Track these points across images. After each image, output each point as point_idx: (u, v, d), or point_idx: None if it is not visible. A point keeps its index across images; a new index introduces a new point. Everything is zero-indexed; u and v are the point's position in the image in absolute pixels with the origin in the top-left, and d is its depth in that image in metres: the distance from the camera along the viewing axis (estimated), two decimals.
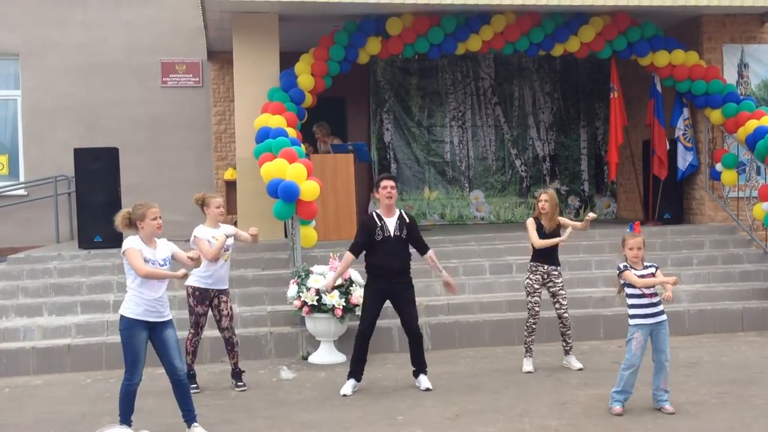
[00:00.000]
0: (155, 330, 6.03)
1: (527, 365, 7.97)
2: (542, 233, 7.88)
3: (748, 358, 8.32)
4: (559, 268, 7.99)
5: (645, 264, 6.54)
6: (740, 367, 7.88)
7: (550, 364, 8.16)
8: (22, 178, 13.92)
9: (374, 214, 7.24)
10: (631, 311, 6.51)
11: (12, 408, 7.13)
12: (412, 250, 7.36)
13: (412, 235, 7.28)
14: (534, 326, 7.99)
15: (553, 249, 7.97)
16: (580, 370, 7.89)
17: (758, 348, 8.78)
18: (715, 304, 9.85)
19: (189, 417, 6.12)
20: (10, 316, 9.20)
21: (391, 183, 7.18)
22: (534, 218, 8.01)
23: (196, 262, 6.27)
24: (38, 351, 8.39)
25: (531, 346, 8.03)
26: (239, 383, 7.55)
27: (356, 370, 7.29)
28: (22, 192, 13.77)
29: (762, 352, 8.57)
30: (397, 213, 7.21)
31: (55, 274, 9.99)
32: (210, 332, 8.83)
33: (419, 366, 7.36)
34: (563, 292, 7.96)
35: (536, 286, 7.93)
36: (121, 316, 5.99)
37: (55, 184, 13.39)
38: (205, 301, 7.39)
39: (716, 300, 9.96)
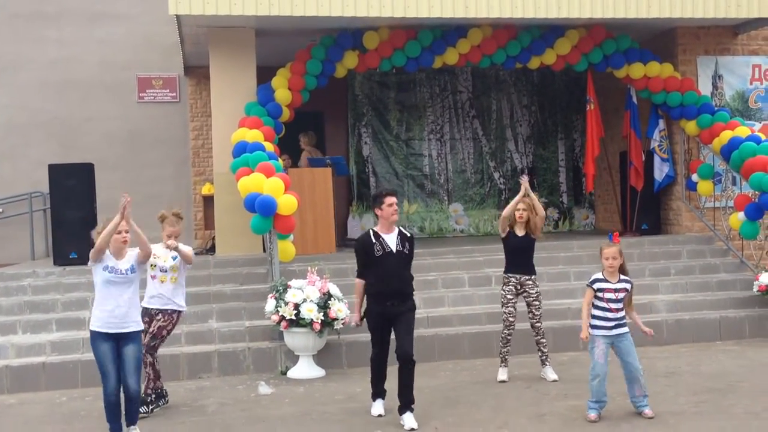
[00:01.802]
0: (119, 343, 6.12)
1: (502, 374, 7.98)
2: (517, 243, 7.90)
3: (726, 367, 8.35)
4: (534, 276, 8.00)
5: (621, 277, 6.57)
6: (718, 376, 7.91)
7: (529, 375, 8.15)
8: None
9: (371, 231, 6.83)
10: (593, 321, 6.60)
11: None
12: None
13: (411, 252, 6.86)
14: (509, 337, 8.00)
15: (527, 257, 7.98)
16: (554, 381, 7.89)
17: (736, 357, 8.81)
18: (693, 313, 9.89)
19: (130, 419, 6.23)
20: None
21: (395, 199, 6.75)
22: (508, 226, 8.04)
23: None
24: (12, 369, 8.26)
25: (506, 357, 8.04)
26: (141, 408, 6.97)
27: (379, 391, 6.87)
28: None
29: (739, 361, 8.61)
30: (396, 230, 6.79)
31: (30, 292, 9.85)
32: (187, 348, 8.83)
33: (406, 401, 6.57)
34: (537, 302, 7.96)
35: (509, 296, 7.94)
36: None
37: (30, 201, 13.25)
38: (143, 317, 6.95)
39: (694, 309, 10.00)
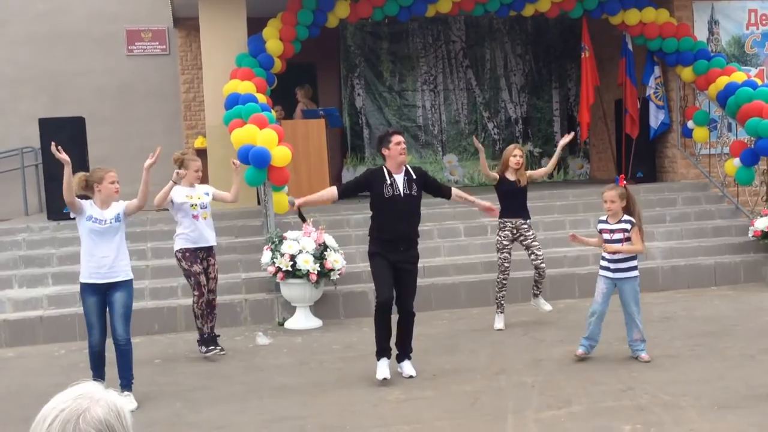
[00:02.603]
0: (108, 292, 6.05)
1: (498, 323, 8.01)
2: (510, 187, 7.87)
3: (721, 311, 8.40)
4: (528, 221, 7.99)
5: (622, 218, 6.55)
6: (713, 320, 7.96)
7: (526, 322, 8.19)
8: None
9: (384, 168, 6.33)
10: (600, 261, 6.69)
11: None
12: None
13: (430, 186, 6.52)
14: (504, 282, 8.00)
15: (521, 201, 7.97)
16: (549, 311, 8.01)
17: (731, 301, 8.87)
18: (688, 259, 9.93)
19: (122, 383, 6.08)
20: None
21: (402, 138, 6.34)
22: (498, 172, 8.00)
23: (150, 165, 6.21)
24: (9, 323, 8.27)
25: (502, 302, 8.06)
26: (217, 347, 7.35)
27: (384, 348, 6.38)
28: None
29: (734, 305, 8.66)
30: (404, 170, 6.34)
31: (24, 246, 9.82)
32: (184, 300, 8.81)
33: (404, 350, 6.52)
34: (537, 243, 7.95)
35: (505, 242, 7.93)
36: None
37: (21, 156, 13.13)
38: (197, 260, 7.25)
39: (689, 256, 10.04)
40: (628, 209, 6.59)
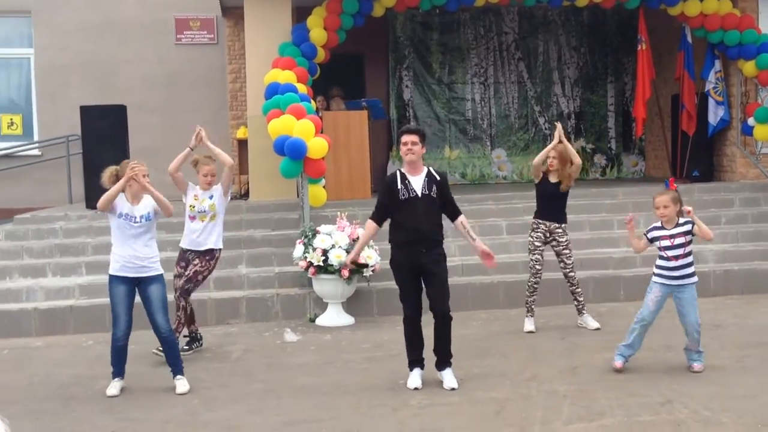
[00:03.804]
0: (141, 286, 6.05)
1: (528, 325, 7.71)
2: (548, 189, 7.53)
3: None
4: (564, 225, 7.66)
5: (679, 221, 6.14)
6: (766, 330, 7.48)
7: (564, 326, 7.84)
8: (36, 138, 13.75)
9: (398, 172, 6.11)
10: (655, 268, 6.28)
11: (8, 369, 6.99)
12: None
13: (443, 195, 6.08)
14: (536, 285, 7.69)
15: (559, 205, 7.63)
16: (597, 329, 7.60)
17: None
18: (742, 264, 9.41)
19: (174, 370, 6.17)
20: (13, 277, 9.07)
21: (412, 138, 5.92)
22: (543, 171, 7.68)
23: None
24: (40, 312, 8.25)
25: (532, 306, 7.76)
26: (185, 347, 7.13)
27: (416, 359, 6.11)
28: (36, 152, 13.62)
29: None
30: (425, 171, 6.03)
31: (61, 235, 9.82)
32: (215, 293, 8.71)
33: (444, 357, 6.11)
34: (567, 251, 7.61)
35: (537, 243, 7.61)
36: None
37: (67, 144, 13.20)
38: (180, 262, 7.20)
39: (744, 260, 9.52)
40: (680, 213, 6.20)
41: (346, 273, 8.09)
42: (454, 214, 6.21)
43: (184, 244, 7.22)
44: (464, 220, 6.26)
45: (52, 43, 13.79)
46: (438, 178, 6.09)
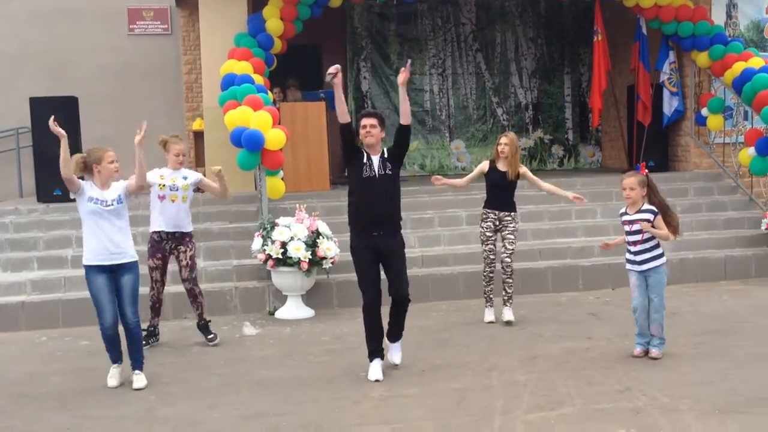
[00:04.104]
0: (116, 274, 5.93)
1: (488, 315, 7.71)
2: (497, 178, 7.50)
3: (729, 307, 8.04)
4: (513, 214, 7.59)
5: (642, 208, 6.18)
6: (720, 317, 7.60)
7: (524, 316, 7.85)
8: None
9: (363, 149, 6.07)
10: (626, 255, 6.37)
11: None
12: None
13: (396, 146, 6.04)
14: (491, 275, 7.68)
15: (507, 195, 7.58)
16: (508, 322, 7.53)
17: (740, 297, 8.49)
18: (697, 252, 9.55)
19: (134, 364, 6.07)
20: None
21: (371, 121, 5.98)
22: (490, 160, 7.65)
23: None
24: None
25: (491, 296, 7.74)
26: (209, 336, 7.23)
27: (375, 349, 6.08)
28: None
29: (744, 301, 8.29)
30: (381, 151, 6.05)
31: (11, 229, 9.56)
32: (172, 287, 8.52)
33: (396, 334, 6.26)
34: (511, 237, 7.54)
35: (489, 234, 7.59)
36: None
37: (17, 137, 12.88)
38: (156, 254, 7.04)
39: (699, 248, 9.66)
40: (650, 199, 6.23)
41: (305, 265, 8.02)
42: (404, 125, 6.08)
43: (163, 227, 6.96)
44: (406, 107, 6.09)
45: (2, 32, 13.44)
46: (387, 153, 6.07)
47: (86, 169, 5.92)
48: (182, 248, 7.07)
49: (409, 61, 6.45)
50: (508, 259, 7.54)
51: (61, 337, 7.67)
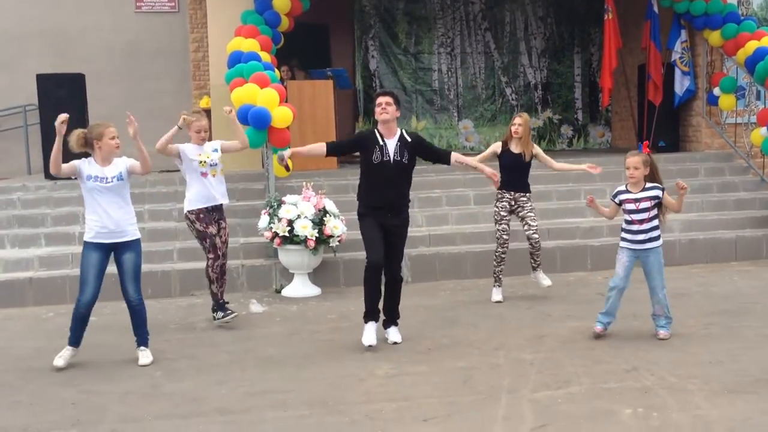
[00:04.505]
0: (116, 252, 5.90)
1: (496, 295, 7.69)
2: (511, 159, 7.49)
3: (740, 288, 7.97)
4: (528, 194, 7.62)
5: (646, 186, 6.12)
6: (730, 298, 7.54)
7: (532, 296, 7.83)
8: None
9: (376, 132, 6.15)
10: (621, 233, 6.27)
11: None
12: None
13: (425, 151, 6.26)
14: (503, 255, 7.66)
15: (522, 175, 7.58)
16: (548, 287, 7.62)
17: (751, 278, 8.42)
18: (707, 233, 9.48)
19: (139, 341, 6.07)
20: None
21: (386, 99, 6.05)
22: (502, 142, 7.62)
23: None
24: None
25: (500, 276, 7.73)
26: (229, 313, 7.09)
27: (372, 310, 6.19)
28: None
29: (754, 282, 8.22)
30: (398, 134, 6.11)
31: (19, 206, 9.57)
32: (180, 264, 8.57)
33: (391, 316, 6.37)
34: (532, 214, 7.60)
35: (503, 213, 7.57)
36: None
37: (24, 114, 12.86)
38: (211, 221, 7.02)
39: (709, 229, 9.59)
40: (652, 178, 6.17)
41: (311, 244, 7.99)
42: (446, 157, 6.34)
43: (211, 202, 6.98)
44: (458, 156, 6.40)
45: (7, 10, 13.38)
46: (410, 140, 6.16)
47: (87, 145, 5.87)
48: (222, 223, 7.14)
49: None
50: (535, 236, 7.60)
51: (68, 313, 7.45)
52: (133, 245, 5.95)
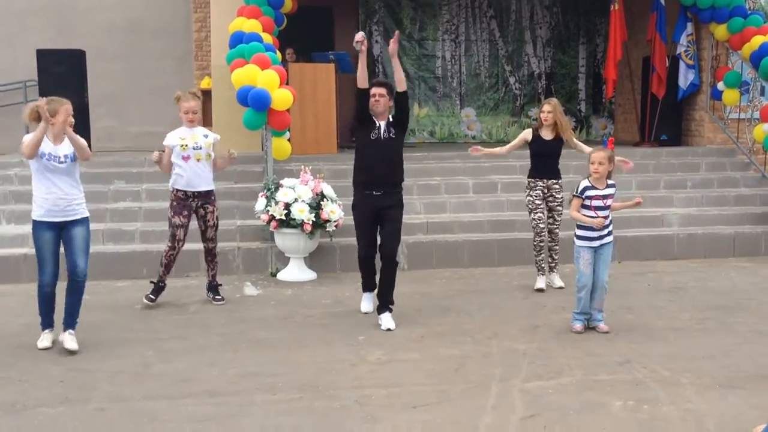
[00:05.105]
0: (65, 229, 5.76)
1: (539, 283, 7.68)
2: (541, 146, 7.46)
3: (736, 284, 7.94)
4: (560, 181, 7.61)
5: (608, 183, 6.13)
6: (727, 293, 7.51)
7: (528, 286, 7.80)
8: None
9: (372, 117, 6.46)
10: (578, 231, 6.26)
11: None
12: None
13: (400, 117, 6.47)
14: (541, 244, 7.69)
15: (554, 161, 7.57)
16: (560, 288, 7.62)
17: (748, 274, 8.39)
18: (706, 228, 9.43)
19: (67, 322, 5.86)
20: None
21: (380, 90, 6.34)
22: (533, 129, 7.60)
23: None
24: None
25: (542, 264, 7.74)
26: (217, 296, 7.23)
27: (368, 283, 6.75)
28: None
29: (751, 278, 8.19)
30: (387, 119, 6.47)
31: (16, 181, 9.52)
32: None
33: (384, 302, 6.44)
34: (560, 208, 7.64)
35: (538, 202, 7.56)
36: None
37: (24, 90, 12.81)
38: (183, 211, 6.97)
39: (708, 224, 9.54)
40: (608, 174, 6.19)
41: (308, 227, 7.96)
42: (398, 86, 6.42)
43: (187, 186, 6.92)
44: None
45: None
46: (392, 120, 6.50)
47: (39, 120, 5.61)
48: (209, 207, 7.07)
49: (397, 32, 6.84)
50: (557, 230, 7.67)
51: (61, 290, 7.58)
52: (83, 222, 5.81)
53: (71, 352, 5.67)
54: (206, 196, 7.04)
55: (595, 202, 6.12)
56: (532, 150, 7.61)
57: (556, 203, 7.60)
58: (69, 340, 5.76)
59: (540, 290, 7.61)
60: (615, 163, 6.23)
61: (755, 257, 9.22)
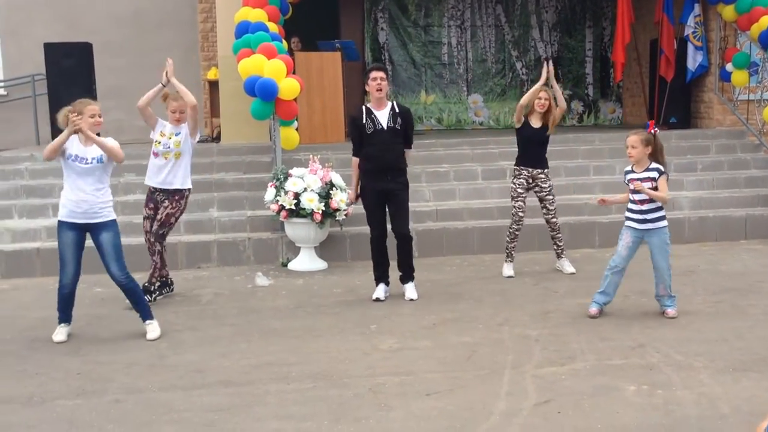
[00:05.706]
0: (92, 234, 5.81)
1: (507, 270, 7.67)
2: (529, 131, 7.45)
3: (748, 266, 7.92)
4: (546, 171, 7.56)
5: (649, 167, 6.06)
6: (739, 276, 7.49)
7: (539, 272, 7.79)
8: (0, 77, 13.35)
9: (363, 108, 6.73)
10: (626, 212, 6.23)
11: None
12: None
13: (406, 127, 6.71)
14: (517, 232, 7.63)
15: (541, 150, 7.51)
16: (572, 274, 7.58)
17: (760, 256, 8.36)
18: (717, 211, 9.40)
19: (142, 316, 6.00)
20: None
21: (380, 74, 6.60)
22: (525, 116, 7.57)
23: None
24: (6, 254, 8.06)
25: (512, 252, 7.70)
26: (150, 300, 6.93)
27: (382, 275, 6.86)
28: (1, 92, 13.23)
29: (763, 260, 8.16)
30: (389, 105, 6.68)
31: (27, 176, 9.57)
32: (186, 237, 8.57)
33: (406, 271, 6.84)
34: (551, 197, 7.55)
35: (520, 190, 7.52)
36: None
37: (32, 84, 12.82)
38: (148, 203, 7.03)
39: (719, 207, 9.51)
40: (655, 158, 6.09)
41: (318, 217, 7.97)
42: (407, 143, 6.81)
43: (151, 182, 6.98)
44: (409, 153, 6.87)
45: None
46: (399, 110, 6.70)
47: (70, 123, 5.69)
48: (166, 203, 6.96)
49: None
50: (554, 219, 7.64)
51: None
52: (109, 225, 5.80)
53: (150, 341, 5.82)
54: (171, 194, 6.96)
55: (631, 185, 6.08)
56: (520, 137, 7.58)
57: (544, 193, 7.55)
58: (148, 330, 5.93)
59: (509, 277, 7.58)
60: (659, 147, 6.09)
61: (767, 239, 9.18)
